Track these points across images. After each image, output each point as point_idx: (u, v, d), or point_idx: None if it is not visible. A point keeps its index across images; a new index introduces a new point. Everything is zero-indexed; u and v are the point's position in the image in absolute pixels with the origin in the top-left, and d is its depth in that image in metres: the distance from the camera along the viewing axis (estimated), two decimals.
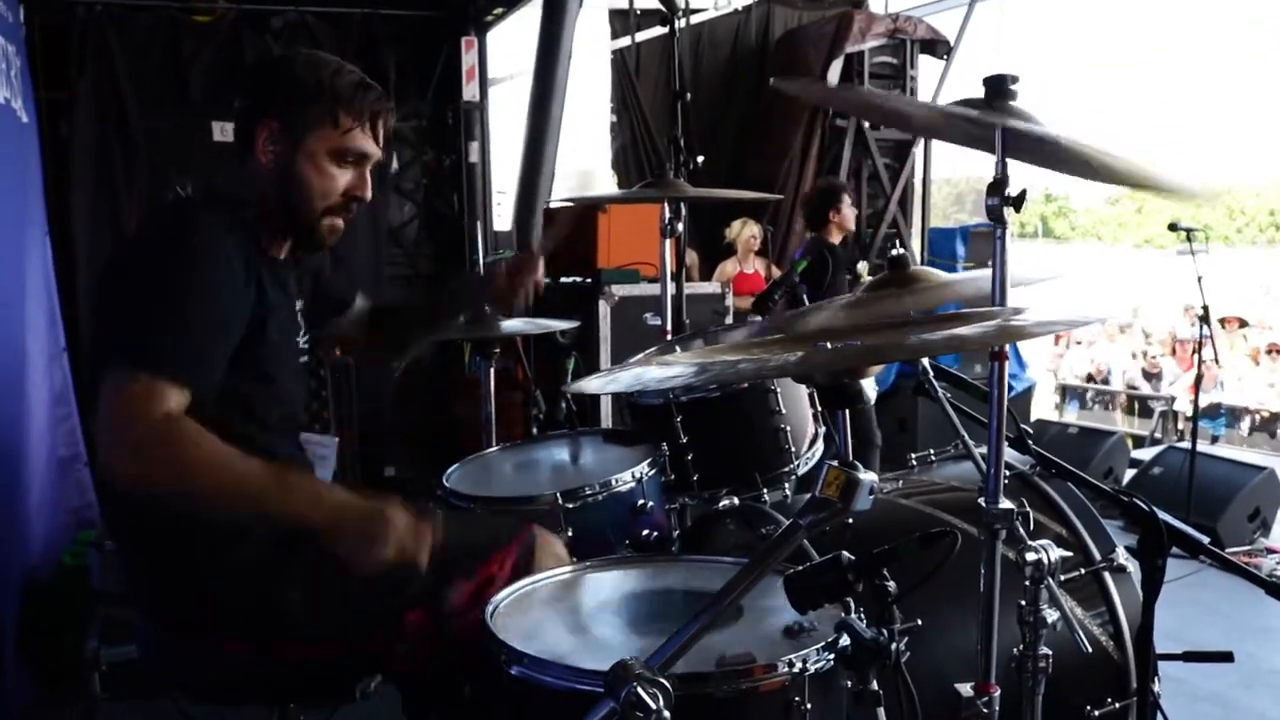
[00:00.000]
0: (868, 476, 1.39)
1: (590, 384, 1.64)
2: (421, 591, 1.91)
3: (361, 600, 1.91)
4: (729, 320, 5.06)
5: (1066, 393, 12.14)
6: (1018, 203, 1.65)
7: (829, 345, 1.50)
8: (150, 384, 1.63)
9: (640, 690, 1.21)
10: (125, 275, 1.87)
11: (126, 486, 1.67)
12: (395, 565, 1.68)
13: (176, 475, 1.63)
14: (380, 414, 5.84)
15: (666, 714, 1.21)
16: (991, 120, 1.59)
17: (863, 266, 6.08)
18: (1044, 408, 10.87)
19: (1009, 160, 1.64)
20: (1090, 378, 12.26)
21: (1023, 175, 1.66)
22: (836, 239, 5.73)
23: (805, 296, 2.47)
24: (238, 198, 1.95)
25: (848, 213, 5.75)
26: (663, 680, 1.23)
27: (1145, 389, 11.21)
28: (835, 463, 1.40)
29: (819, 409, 2.55)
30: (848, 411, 1.94)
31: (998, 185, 1.64)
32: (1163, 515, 1.95)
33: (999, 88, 1.64)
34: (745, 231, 6.83)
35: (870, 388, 1.85)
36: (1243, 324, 12.06)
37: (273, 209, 1.96)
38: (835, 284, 5.37)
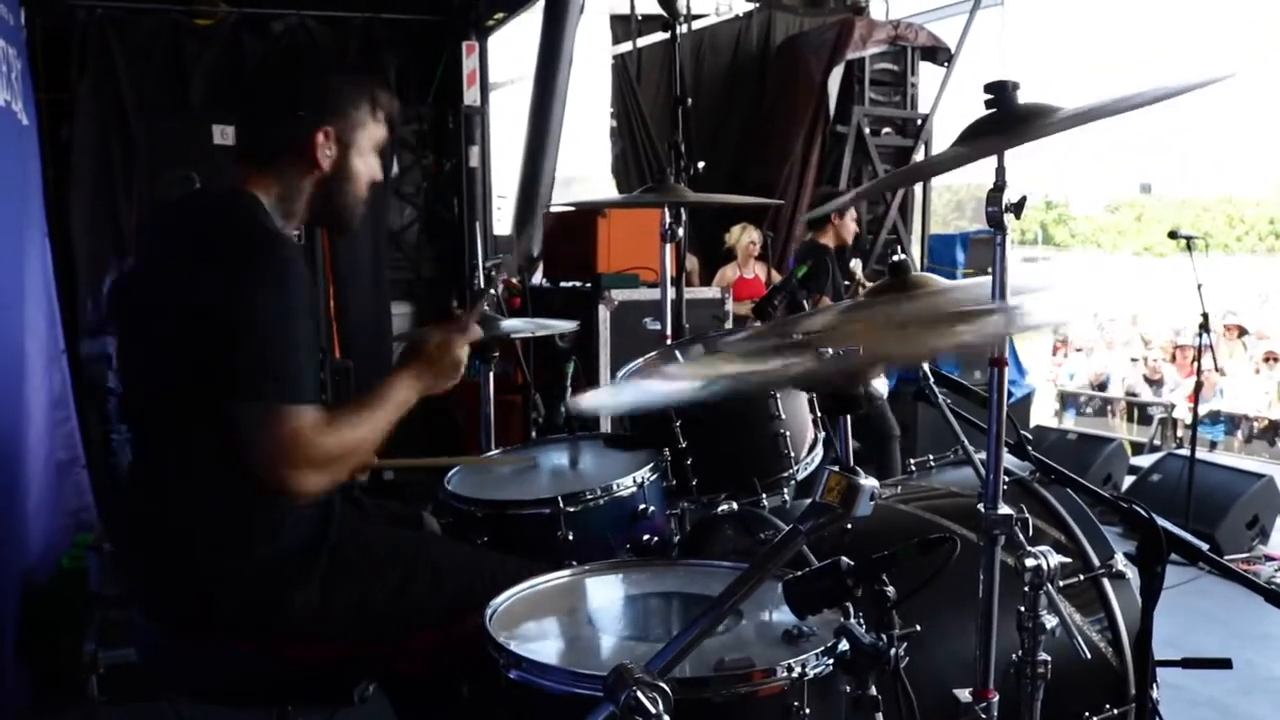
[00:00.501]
0: (868, 482, 1.39)
1: (593, 399, 1.65)
2: (434, 614, 1.95)
3: (371, 610, 1.92)
4: (728, 325, 5.06)
5: (1065, 400, 12.14)
6: (1018, 209, 1.65)
7: (831, 352, 1.50)
8: (295, 412, 1.80)
9: (640, 694, 1.21)
10: (201, 291, 1.85)
11: (315, 494, 1.86)
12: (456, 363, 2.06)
13: (343, 465, 1.88)
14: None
15: (666, 718, 1.21)
16: (993, 141, 1.59)
17: (856, 264, 6.12)
18: (1043, 415, 10.88)
19: (1008, 165, 1.65)
20: (1095, 385, 12.26)
21: (1023, 182, 1.66)
22: (832, 245, 5.86)
23: (805, 302, 2.47)
24: (271, 197, 2.02)
25: (849, 223, 5.89)
26: (662, 685, 1.23)
27: (1146, 395, 11.20)
28: (836, 468, 1.40)
29: (818, 414, 2.55)
30: (849, 417, 1.94)
31: (997, 193, 1.64)
32: (1161, 522, 1.95)
33: (1000, 94, 1.64)
34: (745, 237, 6.83)
35: (881, 384, 1.85)
36: (1241, 332, 12.06)
37: (323, 205, 2.06)
38: (835, 286, 5.42)
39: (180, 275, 1.92)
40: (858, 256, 6.43)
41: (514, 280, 4.85)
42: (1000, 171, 1.64)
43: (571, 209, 5.57)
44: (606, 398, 1.65)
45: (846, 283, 5.81)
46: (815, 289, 5.04)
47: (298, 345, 1.84)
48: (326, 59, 2.07)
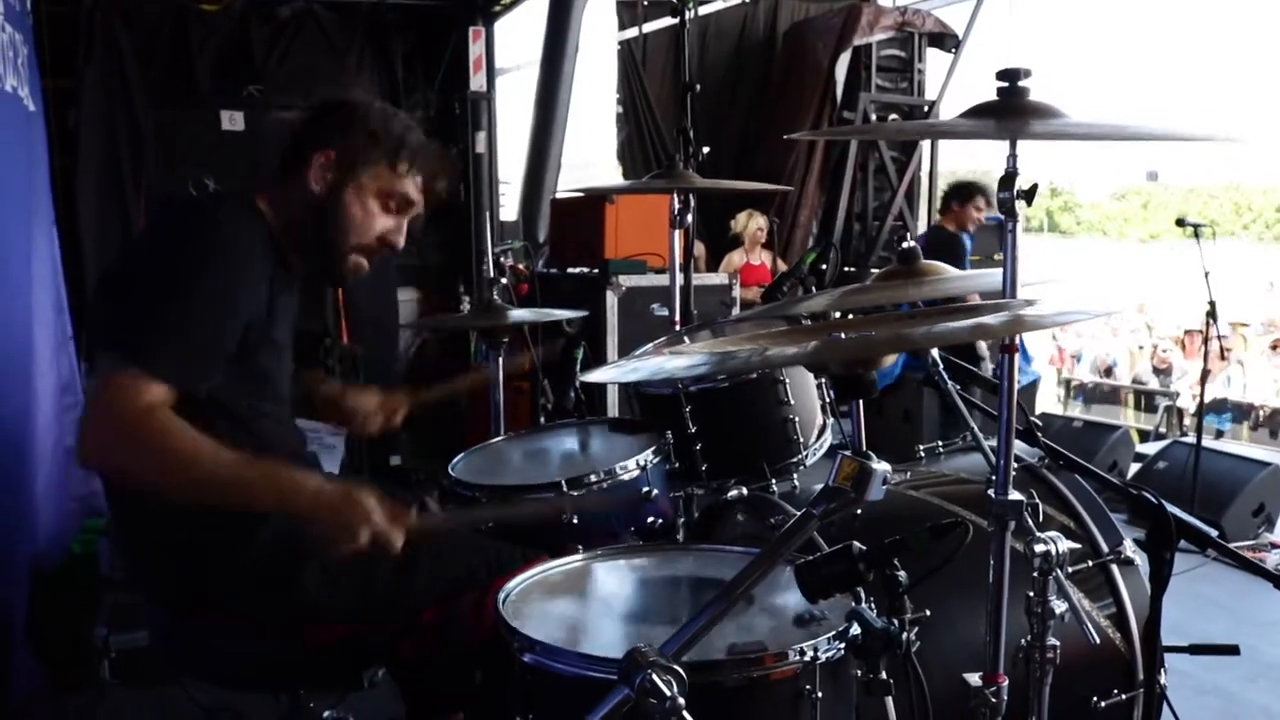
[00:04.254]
0: (880, 466, 1.39)
1: (608, 373, 1.65)
2: (435, 593, 1.94)
3: (374, 591, 1.93)
4: (736, 311, 5.06)
5: (1071, 387, 12.13)
6: (1029, 196, 1.64)
7: (843, 336, 1.50)
8: (138, 378, 1.67)
9: (655, 677, 1.22)
10: (137, 265, 1.89)
11: (99, 470, 1.76)
12: (370, 547, 1.75)
13: (147, 466, 1.69)
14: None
15: (681, 701, 1.22)
16: (1005, 124, 1.59)
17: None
18: (1048, 402, 10.87)
19: (1020, 152, 1.64)
20: (1101, 372, 12.24)
21: (1029, 169, 1.65)
22: (953, 229, 6.22)
23: (813, 288, 2.47)
24: (270, 210, 1.97)
25: (971, 211, 6.22)
26: (677, 668, 1.24)
27: (1154, 384, 11.18)
28: (848, 452, 1.41)
29: (827, 400, 2.55)
30: (861, 401, 1.95)
31: (1009, 179, 1.64)
32: (1171, 508, 1.95)
33: (1012, 82, 1.63)
34: (752, 224, 6.84)
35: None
36: (1241, 325, 12.06)
37: (308, 233, 1.98)
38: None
39: (136, 257, 1.94)
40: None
41: (521, 267, 4.85)
42: (1012, 158, 1.63)
43: (579, 195, 5.55)
44: (616, 372, 1.62)
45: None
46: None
47: (191, 330, 1.74)
48: (387, 105, 1.93)
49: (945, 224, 6.35)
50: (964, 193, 6.31)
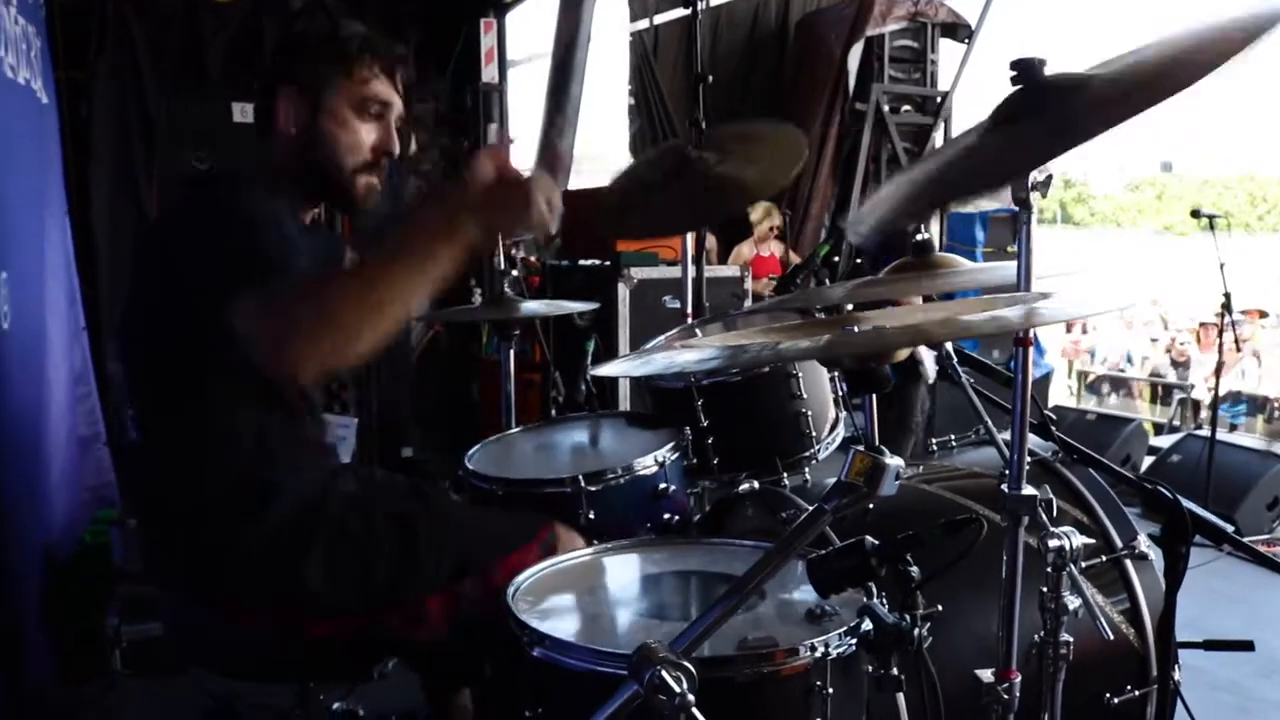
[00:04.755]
0: (893, 461, 1.38)
1: (619, 366, 1.64)
2: (441, 577, 1.93)
3: (380, 579, 1.92)
4: (748, 304, 5.05)
5: (1084, 380, 12.07)
6: (1044, 188, 1.63)
7: (858, 329, 1.49)
8: (262, 303, 1.53)
9: (664, 673, 1.21)
10: (179, 254, 1.81)
11: (306, 366, 1.49)
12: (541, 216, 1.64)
13: (324, 326, 1.49)
14: (399, 395, 5.87)
15: (690, 697, 1.21)
16: (1021, 129, 1.57)
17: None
18: (1060, 395, 10.83)
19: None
20: (1115, 365, 12.18)
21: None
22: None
23: (826, 281, 2.46)
24: (267, 173, 1.95)
25: None
26: (686, 664, 1.23)
27: (1172, 377, 11.11)
28: (861, 447, 1.40)
29: (839, 394, 2.54)
30: (874, 396, 1.93)
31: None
32: (1186, 503, 1.94)
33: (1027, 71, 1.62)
34: (768, 221, 6.83)
35: (930, 364, 1.83)
36: (1262, 315, 11.96)
37: (305, 175, 1.96)
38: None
39: (160, 241, 1.92)
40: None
41: (533, 259, 4.84)
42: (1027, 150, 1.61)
43: (590, 186, 5.54)
44: (627, 366, 1.60)
45: None
46: None
47: (271, 259, 1.66)
48: (325, 11, 1.85)
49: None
50: None
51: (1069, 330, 13.52)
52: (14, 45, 3.46)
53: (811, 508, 1.43)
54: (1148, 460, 6.30)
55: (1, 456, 2.96)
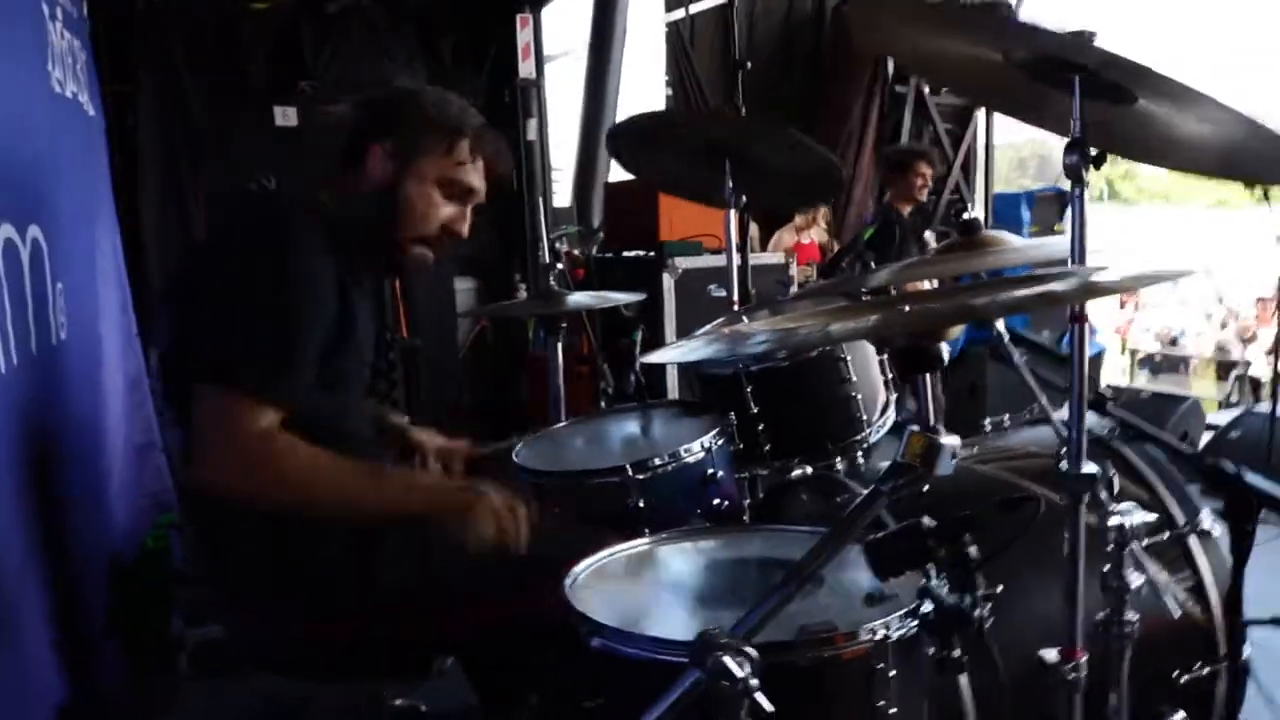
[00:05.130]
0: (950, 441, 1.37)
1: (668, 354, 1.64)
2: (511, 584, 1.94)
3: (443, 579, 1.93)
4: (793, 290, 5.02)
5: (1135, 358, 11.90)
6: (1098, 161, 1.60)
7: (908, 308, 1.48)
8: (249, 402, 1.72)
9: (727, 659, 1.21)
10: (220, 280, 1.87)
11: (229, 495, 1.75)
12: (497, 544, 1.80)
13: (277, 485, 1.74)
14: (449, 392, 5.90)
15: (754, 681, 1.21)
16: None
17: (929, 235, 5.94)
18: (1113, 374, 10.67)
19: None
20: (1167, 342, 12.00)
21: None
22: (905, 207, 5.67)
23: (873, 263, 2.44)
24: (338, 212, 1.98)
25: (914, 180, 5.65)
26: (749, 649, 1.23)
27: (1236, 354, 10.91)
28: (916, 427, 1.38)
29: (890, 376, 2.52)
30: (929, 375, 1.91)
31: (1077, 143, 1.60)
32: (1251, 478, 1.90)
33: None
34: (813, 211, 6.78)
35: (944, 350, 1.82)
36: None
37: (370, 225, 1.99)
38: (902, 254, 5.25)
39: (204, 265, 1.95)
40: (920, 220, 6.17)
41: (576, 252, 4.84)
42: (1078, 122, 1.59)
43: (632, 179, 5.53)
44: (677, 353, 1.61)
45: (918, 247, 5.60)
46: (883, 254, 4.88)
47: (287, 346, 1.78)
48: (443, 92, 1.93)
49: (893, 203, 5.75)
50: (899, 163, 5.75)
51: (1121, 307, 13.34)
52: (61, 59, 3.51)
53: (866, 491, 1.42)
54: (1206, 437, 6.19)
55: (63, 465, 3.01)
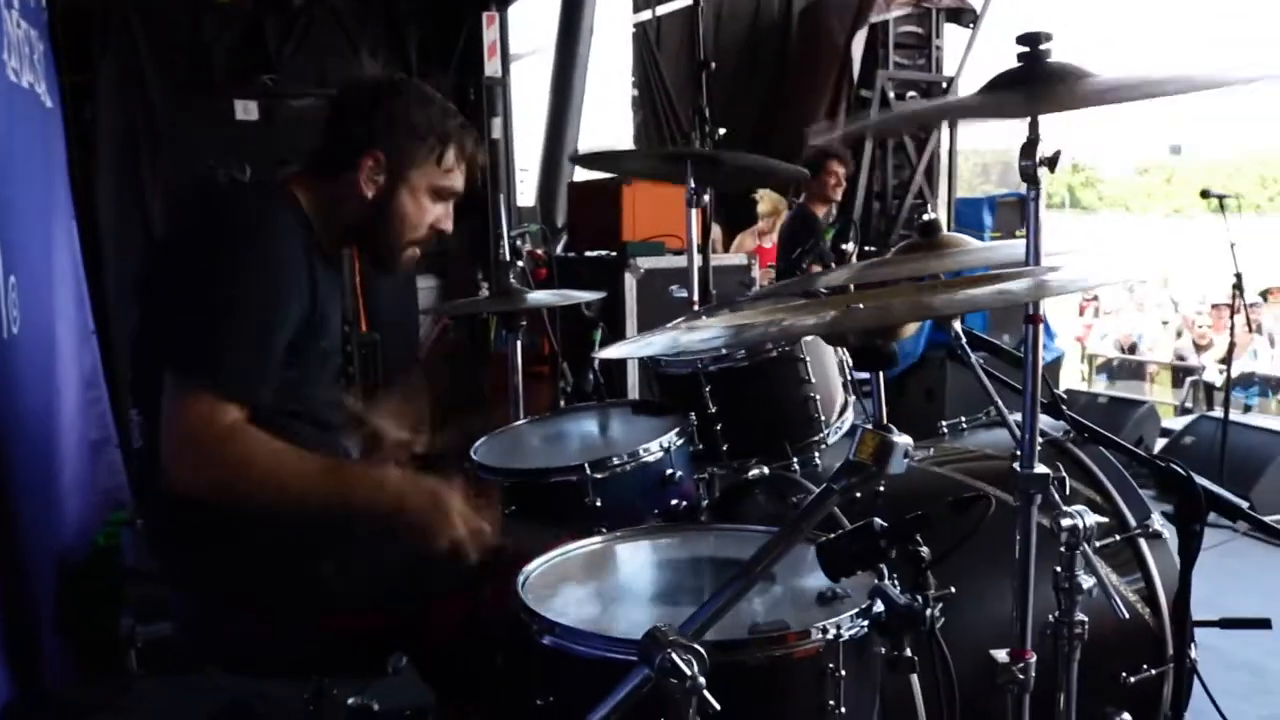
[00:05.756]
0: (902, 439, 1.37)
1: (624, 348, 1.64)
2: (459, 579, 1.93)
3: (398, 578, 1.92)
4: (754, 291, 5.02)
5: (1093, 364, 12.02)
6: (1052, 163, 1.62)
7: (862, 306, 1.48)
8: (214, 398, 1.72)
9: (675, 657, 1.21)
10: (181, 271, 1.88)
11: (193, 493, 1.75)
12: (459, 543, 1.80)
13: (241, 482, 1.74)
14: (404, 391, 5.85)
15: (701, 680, 1.20)
16: (1027, 91, 1.56)
17: (849, 248, 5.87)
18: (1071, 379, 10.78)
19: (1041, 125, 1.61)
20: (1126, 348, 12.12)
21: (1051, 142, 1.62)
22: (820, 208, 5.64)
23: (834, 263, 2.45)
24: (309, 201, 1.98)
25: (826, 179, 5.60)
26: (697, 646, 1.23)
27: (1193, 360, 11.03)
28: (869, 425, 1.39)
29: (848, 378, 2.53)
30: (883, 374, 1.92)
31: (1030, 146, 1.61)
32: (1200, 480, 1.93)
33: (1033, 47, 1.61)
34: (773, 212, 6.81)
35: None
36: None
37: (364, 233, 2.02)
38: (807, 257, 5.10)
39: (172, 254, 1.94)
40: (841, 223, 6.05)
41: (539, 251, 4.84)
42: (1034, 124, 1.60)
43: (596, 178, 5.53)
44: (639, 346, 1.61)
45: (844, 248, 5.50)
46: (786, 254, 4.80)
47: (252, 342, 1.78)
48: (422, 88, 1.95)
49: (808, 204, 5.73)
50: (811, 163, 5.54)
51: (1080, 314, 13.48)
52: (17, 49, 3.46)
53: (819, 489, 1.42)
54: (1161, 442, 6.27)
55: (13, 462, 2.97)
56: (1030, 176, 1.61)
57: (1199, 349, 11.05)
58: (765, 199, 6.85)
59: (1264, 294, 11.55)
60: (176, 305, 1.84)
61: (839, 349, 2.44)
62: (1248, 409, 9.81)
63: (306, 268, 1.90)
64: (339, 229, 2.02)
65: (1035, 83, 1.57)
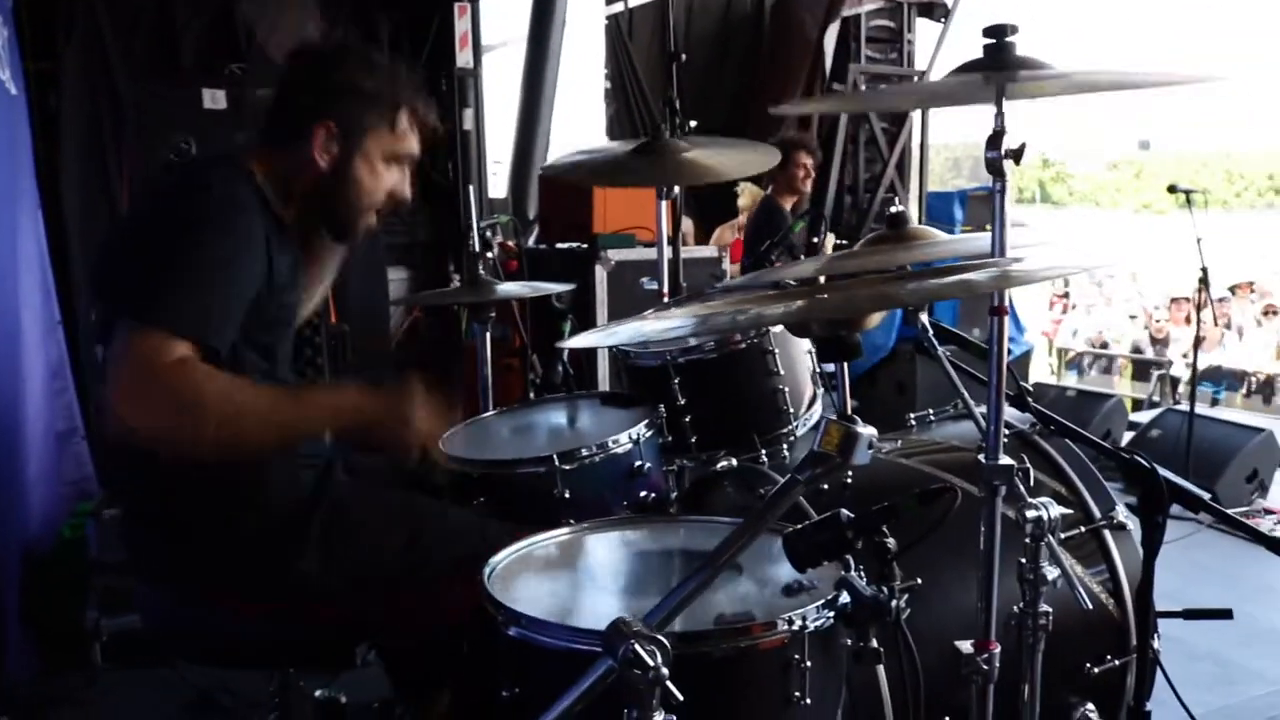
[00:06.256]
0: (866, 430, 1.37)
1: (589, 338, 1.64)
2: (429, 573, 1.94)
3: (363, 570, 1.92)
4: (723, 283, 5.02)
5: (1063, 357, 12.11)
6: (1017, 156, 1.62)
7: (827, 295, 1.48)
8: (163, 335, 1.67)
9: (638, 648, 1.21)
10: (140, 234, 1.88)
11: (142, 430, 1.68)
12: (422, 443, 1.82)
13: (192, 414, 1.67)
14: (377, 382, 5.82)
15: (664, 670, 1.20)
16: (991, 77, 1.57)
17: (829, 238, 5.83)
18: (1041, 372, 10.86)
19: (1008, 112, 1.62)
20: (1096, 343, 12.22)
21: (1021, 138, 1.63)
22: (787, 200, 5.58)
23: (801, 255, 2.45)
24: (265, 174, 1.97)
25: (795, 172, 5.53)
26: (660, 637, 1.23)
27: (1150, 353, 11.15)
28: (834, 416, 1.39)
29: (817, 370, 2.53)
30: (846, 365, 1.93)
31: (996, 138, 1.62)
32: (1163, 472, 1.94)
33: (999, 39, 1.61)
34: (753, 206, 6.80)
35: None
36: (1253, 288, 12.07)
37: (320, 203, 2.01)
38: (774, 250, 5.03)
39: (129, 223, 1.93)
40: (812, 214, 5.96)
41: (510, 244, 4.82)
42: (1000, 116, 1.61)
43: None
44: (602, 336, 1.60)
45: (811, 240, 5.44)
46: (751, 248, 4.70)
47: (204, 284, 1.75)
48: (369, 53, 1.93)
49: (775, 196, 5.66)
50: (780, 154, 5.70)
51: (1050, 309, 13.58)
52: None
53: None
54: (1128, 435, 6.33)
55: None
56: (996, 169, 1.61)
57: (1155, 342, 11.16)
58: (746, 192, 6.85)
59: (1233, 289, 11.70)
60: (129, 253, 1.84)
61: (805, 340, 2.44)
62: (1215, 402, 9.92)
63: (263, 239, 1.87)
64: (297, 202, 2.00)
65: (998, 70, 1.58)
